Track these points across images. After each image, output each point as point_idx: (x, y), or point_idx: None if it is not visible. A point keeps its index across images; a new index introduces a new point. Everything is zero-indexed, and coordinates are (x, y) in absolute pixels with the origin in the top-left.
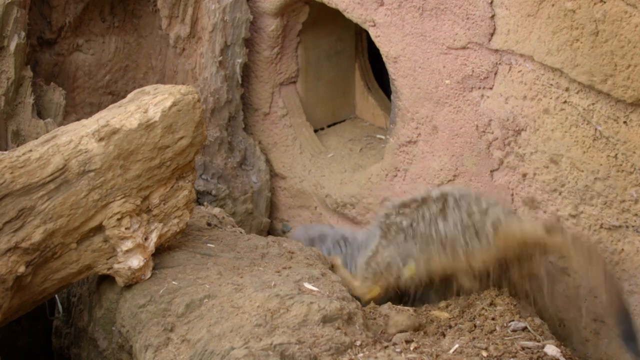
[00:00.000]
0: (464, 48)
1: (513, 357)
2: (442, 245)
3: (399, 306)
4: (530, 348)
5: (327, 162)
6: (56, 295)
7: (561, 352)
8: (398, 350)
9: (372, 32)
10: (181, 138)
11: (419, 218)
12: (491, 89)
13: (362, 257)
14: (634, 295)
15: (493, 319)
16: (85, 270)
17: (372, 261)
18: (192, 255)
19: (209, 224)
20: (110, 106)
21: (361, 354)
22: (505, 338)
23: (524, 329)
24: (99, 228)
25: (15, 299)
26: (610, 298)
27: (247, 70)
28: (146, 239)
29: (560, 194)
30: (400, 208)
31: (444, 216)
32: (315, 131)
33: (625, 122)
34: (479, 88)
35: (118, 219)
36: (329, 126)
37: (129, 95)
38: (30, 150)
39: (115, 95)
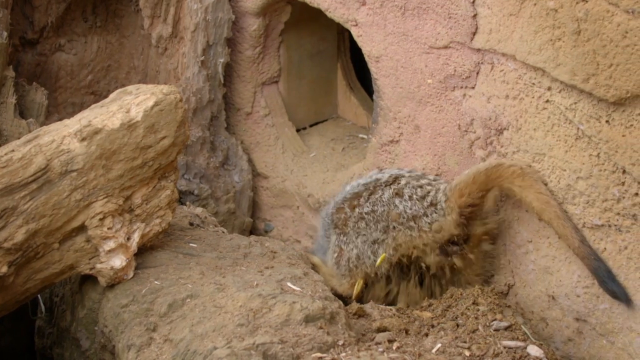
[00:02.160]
0: (446, 47)
1: (496, 356)
2: (405, 223)
3: (381, 305)
4: (512, 348)
5: (310, 161)
6: (39, 295)
7: (544, 352)
8: (381, 349)
9: (354, 32)
10: (163, 138)
11: (377, 201)
12: (473, 88)
13: (329, 260)
14: None
15: (476, 318)
16: (67, 270)
17: (340, 260)
18: (174, 255)
19: (191, 224)
20: (93, 106)
21: (344, 354)
22: (488, 338)
23: (507, 328)
24: (82, 228)
25: None
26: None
27: (229, 70)
28: (128, 238)
29: None
30: (353, 199)
31: (400, 195)
32: (298, 131)
33: (607, 121)
34: (461, 87)
35: (100, 219)
36: (311, 126)
37: (111, 95)
38: (13, 150)
39: (98, 95)
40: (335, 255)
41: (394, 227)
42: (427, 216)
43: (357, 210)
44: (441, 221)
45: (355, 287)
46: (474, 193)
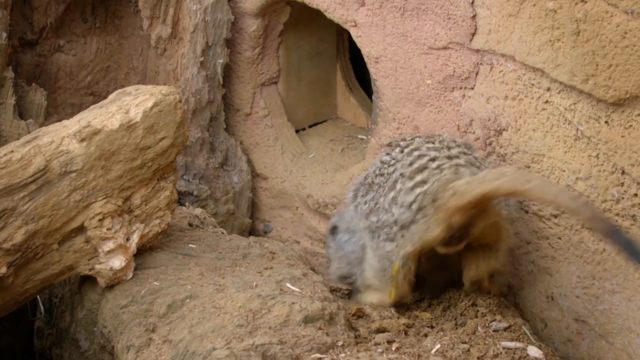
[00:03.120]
0: (445, 48)
1: (495, 357)
2: (399, 232)
3: (380, 306)
4: (512, 348)
5: (309, 162)
6: (38, 296)
7: (543, 352)
8: (380, 350)
9: (354, 33)
10: (162, 139)
11: (379, 210)
12: (472, 89)
13: (370, 276)
14: (616, 295)
15: (475, 319)
16: (67, 271)
17: (381, 274)
18: (173, 255)
19: (190, 225)
20: (92, 107)
21: (343, 354)
22: (488, 338)
23: (506, 329)
24: (81, 229)
25: None
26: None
27: (228, 71)
28: (128, 239)
29: None
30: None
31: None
32: (297, 131)
33: (606, 122)
34: (461, 88)
35: (99, 220)
36: (310, 126)
37: (111, 96)
38: (12, 151)
39: (97, 96)
40: (375, 270)
41: (401, 235)
42: (414, 223)
43: (368, 220)
44: (425, 231)
45: (390, 294)
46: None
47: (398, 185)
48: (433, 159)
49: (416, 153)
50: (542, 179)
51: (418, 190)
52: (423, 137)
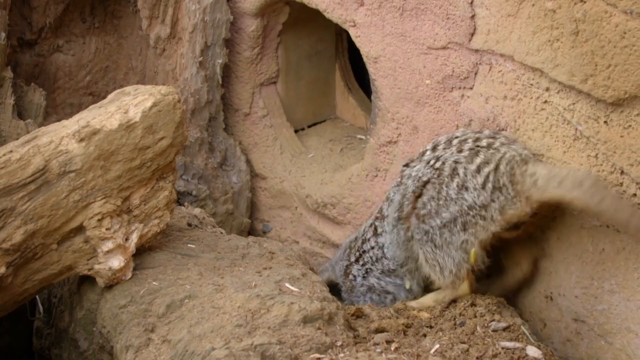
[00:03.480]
0: (444, 48)
1: (494, 357)
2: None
3: (379, 306)
4: (511, 348)
5: (308, 162)
6: (37, 296)
7: (542, 352)
8: (379, 350)
9: (353, 33)
10: (162, 138)
11: (447, 202)
12: (471, 89)
13: (441, 277)
14: (614, 295)
15: (474, 319)
16: (66, 271)
17: (444, 271)
18: (172, 255)
19: (189, 225)
20: (91, 107)
21: (342, 354)
22: (487, 338)
23: (505, 329)
24: (80, 229)
25: None
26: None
27: (227, 71)
28: (127, 239)
29: None
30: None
31: (466, 188)
32: (296, 131)
33: (605, 122)
34: (460, 88)
35: (99, 220)
36: (309, 126)
37: (110, 96)
38: (11, 151)
39: (96, 95)
40: (438, 269)
41: (480, 218)
42: (493, 202)
43: (434, 221)
44: (513, 211)
45: (463, 287)
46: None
47: (460, 172)
48: (476, 140)
49: (455, 141)
50: (616, 198)
51: (486, 169)
52: (440, 136)
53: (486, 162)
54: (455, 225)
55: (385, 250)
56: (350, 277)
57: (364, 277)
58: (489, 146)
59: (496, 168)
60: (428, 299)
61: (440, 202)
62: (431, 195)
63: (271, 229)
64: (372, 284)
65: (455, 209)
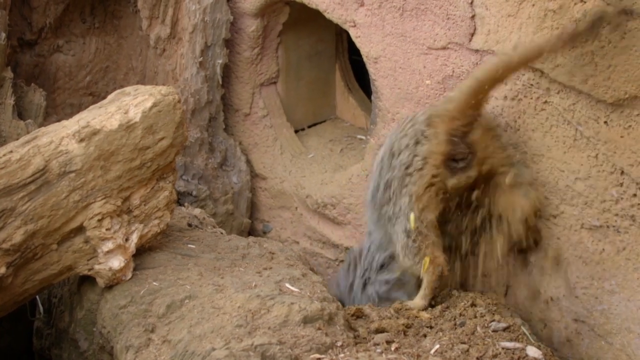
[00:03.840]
0: (444, 48)
1: (494, 357)
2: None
3: (379, 306)
4: (511, 349)
5: (308, 162)
6: (37, 296)
7: (542, 353)
8: (379, 350)
9: (353, 33)
10: (162, 139)
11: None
12: None
13: (402, 258)
14: (615, 296)
15: (474, 319)
16: (66, 271)
17: (410, 245)
18: (172, 256)
19: (189, 225)
20: (91, 107)
21: (342, 355)
22: (487, 339)
23: (505, 329)
24: (80, 229)
25: None
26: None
27: (227, 71)
28: (127, 239)
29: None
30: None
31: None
32: (296, 132)
33: (605, 122)
34: None
35: (99, 220)
36: (309, 127)
37: (110, 96)
38: (11, 152)
39: (96, 96)
40: (399, 248)
41: (402, 185)
42: (416, 156)
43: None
44: (427, 147)
45: (424, 265)
46: (465, 114)
47: (385, 146)
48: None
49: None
50: (520, 47)
51: (408, 126)
52: None
53: (409, 121)
54: (394, 194)
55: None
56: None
57: (362, 289)
58: (411, 119)
59: (415, 120)
60: (418, 299)
61: (384, 190)
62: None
63: (271, 229)
64: (371, 294)
65: (390, 179)
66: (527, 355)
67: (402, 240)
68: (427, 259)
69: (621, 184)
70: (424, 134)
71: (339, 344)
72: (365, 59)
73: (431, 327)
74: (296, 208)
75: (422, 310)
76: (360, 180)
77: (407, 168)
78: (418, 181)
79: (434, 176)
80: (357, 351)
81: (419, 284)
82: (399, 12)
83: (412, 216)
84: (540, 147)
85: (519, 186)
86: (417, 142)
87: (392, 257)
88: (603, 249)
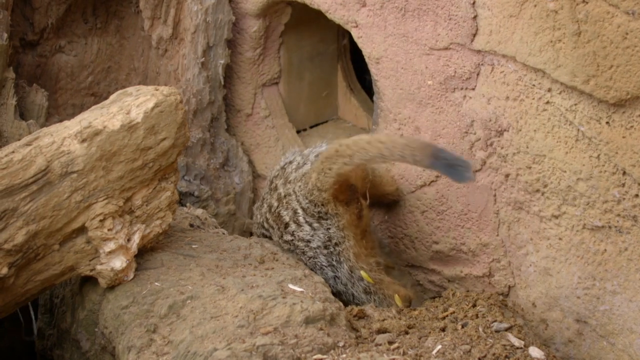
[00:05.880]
0: (446, 49)
1: (496, 358)
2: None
3: (381, 307)
4: (513, 349)
5: None
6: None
7: (544, 353)
8: (381, 351)
9: (355, 33)
10: (164, 139)
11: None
12: (473, 89)
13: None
14: (617, 296)
15: (476, 319)
16: (68, 272)
17: (375, 304)
18: (174, 256)
19: (191, 225)
20: (93, 107)
21: (344, 355)
22: (489, 339)
23: (507, 329)
24: (82, 229)
25: None
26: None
27: (229, 72)
28: (129, 240)
29: (543, 194)
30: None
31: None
32: (298, 132)
33: (607, 123)
34: (462, 89)
35: (101, 220)
36: (311, 127)
37: (112, 97)
38: (13, 152)
39: (98, 96)
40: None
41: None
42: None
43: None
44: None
45: (396, 303)
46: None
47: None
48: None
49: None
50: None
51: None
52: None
53: (294, 212)
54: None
55: None
56: None
57: None
58: (279, 197)
59: (303, 208)
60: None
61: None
62: None
63: None
64: None
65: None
66: (529, 355)
67: (366, 300)
68: (396, 297)
69: (623, 185)
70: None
71: (340, 344)
72: (367, 60)
73: (433, 328)
74: None
75: None
76: None
77: (327, 247)
78: (347, 244)
79: (354, 235)
80: (359, 351)
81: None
82: (401, 13)
83: (363, 273)
84: (542, 148)
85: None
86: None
87: None
88: (605, 250)
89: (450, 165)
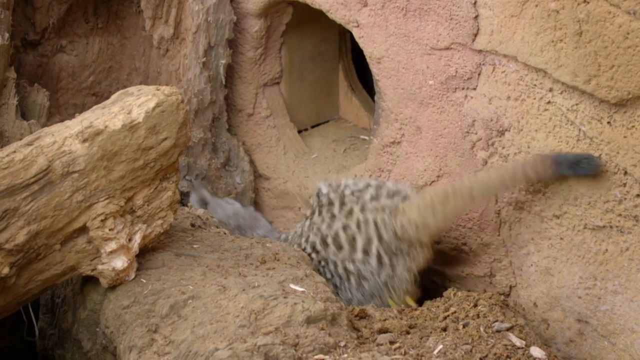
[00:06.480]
0: (447, 49)
1: (497, 358)
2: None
3: (383, 307)
4: (514, 349)
5: (311, 163)
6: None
7: (546, 353)
8: (382, 351)
9: (356, 33)
10: (165, 139)
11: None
12: (475, 89)
13: None
14: (618, 296)
15: (477, 319)
16: (69, 272)
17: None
18: (176, 256)
19: (193, 225)
20: (94, 107)
21: (345, 355)
22: (490, 339)
23: (509, 329)
24: (83, 229)
25: (0, 300)
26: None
27: (230, 71)
28: (130, 240)
29: (544, 194)
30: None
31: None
32: (299, 132)
33: (609, 123)
34: (463, 89)
35: (102, 220)
36: (312, 127)
37: (113, 97)
38: (14, 152)
39: (99, 96)
40: None
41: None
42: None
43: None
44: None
45: (409, 302)
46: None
47: (350, 267)
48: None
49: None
50: (465, 186)
51: (373, 247)
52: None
53: (368, 240)
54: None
55: None
56: None
57: None
58: (358, 222)
59: (380, 239)
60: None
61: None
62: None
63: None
64: None
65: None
66: (530, 355)
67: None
68: (407, 298)
69: (624, 184)
70: (408, 251)
71: (342, 344)
72: (368, 60)
73: (434, 328)
74: (299, 208)
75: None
76: None
77: (390, 279)
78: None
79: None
80: (360, 351)
81: None
82: (402, 13)
83: (408, 299)
84: (544, 148)
85: None
86: (395, 256)
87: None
88: (606, 250)
89: (574, 164)
